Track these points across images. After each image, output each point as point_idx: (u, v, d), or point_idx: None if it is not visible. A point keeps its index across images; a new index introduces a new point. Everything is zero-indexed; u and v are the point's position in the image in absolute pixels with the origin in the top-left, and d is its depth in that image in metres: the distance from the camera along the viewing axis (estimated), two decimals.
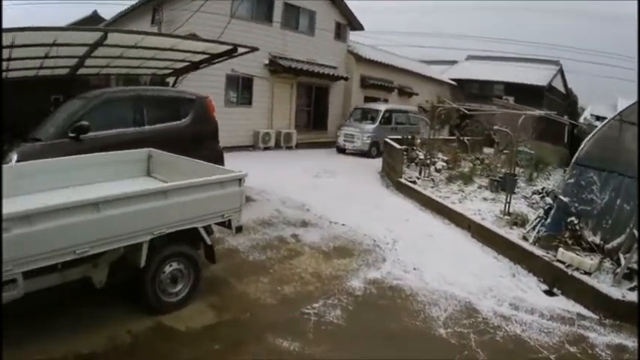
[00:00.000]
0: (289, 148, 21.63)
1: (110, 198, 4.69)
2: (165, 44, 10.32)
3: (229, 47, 11.33)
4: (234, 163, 10.12)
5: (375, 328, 6.01)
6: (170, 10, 17.94)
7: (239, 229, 6.47)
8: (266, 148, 20.37)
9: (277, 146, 20.93)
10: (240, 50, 11.56)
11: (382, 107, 23.51)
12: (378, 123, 22.46)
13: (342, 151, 22.45)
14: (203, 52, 11.48)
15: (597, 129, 9.30)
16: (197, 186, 5.60)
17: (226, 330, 5.51)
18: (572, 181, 9.13)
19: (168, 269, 5.61)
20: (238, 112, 18.84)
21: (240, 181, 6.13)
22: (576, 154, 9.35)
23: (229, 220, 6.14)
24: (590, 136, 9.37)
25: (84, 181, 6.53)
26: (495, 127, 16.22)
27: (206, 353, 5.02)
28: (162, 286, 5.57)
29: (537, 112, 17.81)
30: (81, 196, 4.74)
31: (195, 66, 12.29)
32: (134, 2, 20.11)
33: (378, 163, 19.35)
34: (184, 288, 5.82)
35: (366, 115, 23.41)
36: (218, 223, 6.13)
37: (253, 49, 12.08)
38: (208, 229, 6.08)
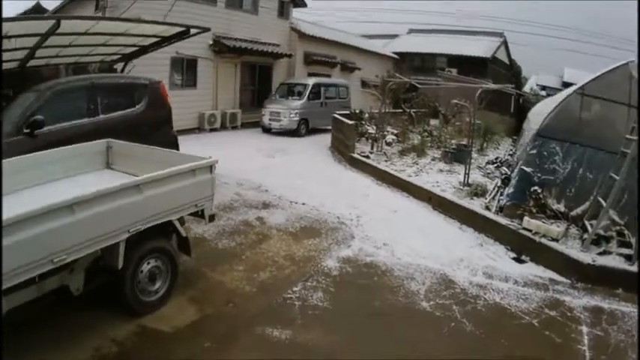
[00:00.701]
0: (235, 128, 21.00)
1: (85, 198, 4.37)
2: (117, 29, 10.01)
3: (182, 29, 11.10)
4: (183, 146, 9.96)
5: (360, 308, 6.09)
6: None
7: (212, 218, 6.35)
8: (212, 130, 19.89)
9: (223, 127, 20.50)
10: (193, 31, 11.36)
11: (310, 81, 22.13)
12: (305, 98, 21.21)
13: (267, 130, 21.05)
14: (154, 36, 11.19)
15: (559, 103, 9.67)
16: (170, 177, 5.39)
17: (212, 325, 5.41)
18: (534, 152, 9.47)
19: (146, 267, 5.40)
20: (184, 95, 18.33)
21: (211, 167, 6.00)
22: (538, 126, 9.69)
23: (202, 210, 6.03)
24: (552, 109, 9.72)
25: (42, 180, 6.13)
26: (454, 101, 16.49)
27: (199, 352, 4.91)
28: (140, 285, 5.35)
29: (493, 86, 18.20)
30: (42, 197, 4.36)
31: (144, 50, 11.93)
32: None
33: (312, 140, 19.82)
34: (163, 285, 5.64)
35: (293, 91, 21.95)
36: (191, 213, 5.97)
37: (205, 30, 11.86)
38: (181, 220, 5.89)
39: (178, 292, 5.85)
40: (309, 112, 21.15)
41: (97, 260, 4.91)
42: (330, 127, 19.50)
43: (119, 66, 12.46)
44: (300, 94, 21.48)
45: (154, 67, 14.78)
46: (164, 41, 11.61)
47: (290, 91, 22.02)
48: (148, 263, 5.42)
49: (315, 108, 21.44)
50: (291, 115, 20.60)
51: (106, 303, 5.32)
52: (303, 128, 21.11)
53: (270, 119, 20.86)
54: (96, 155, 7.10)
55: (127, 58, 12.20)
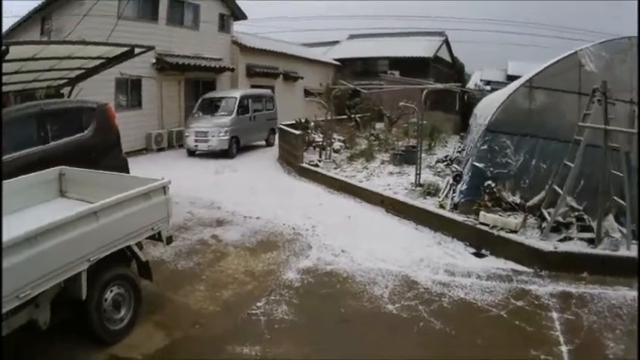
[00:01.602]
0: (182, 146, 20.23)
1: (44, 229, 4.31)
2: (64, 53, 9.82)
3: (126, 49, 10.98)
4: (133, 168, 9.87)
5: (326, 317, 6.03)
6: (58, 18, 17.37)
7: (170, 240, 6.27)
8: (159, 149, 19.56)
9: (170, 146, 19.98)
10: (137, 51, 11.26)
11: (236, 94, 20.22)
12: (235, 113, 19.11)
13: (192, 153, 19.05)
14: (99, 57, 11.05)
15: (507, 97, 9.85)
16: (126, 201, 5.35)
17: (182, 348, 5.31)
18: (484, 147, 9.60)
19: (109, 295, 5.30)
20: (129, 116, 18.01)
21: (164, 189, 5.97)
22: (487, 121, 9.86)
23: (159, 232, 5.96)
24: (500, 103, 9.89)
25: None
26: (401, 103, 16.70)
27: None
28: (106, 314, 5.24)
29: (438, 86, 18.48)
30: None
31: (90, 73, 11.77)
32: (22, 15, 19.37)
33: (249, 159, 18.92)
34: (128, 312, 5.53)
35: (218, 106, 19.89)
36: (149, 237, 5.90)
37: (149, 48, 11.84)
38: (139, 245, 5.83)
39: (144, 318, 5.74)
40: (239, 128, 19.18)
41: (62, 292, 4.79)
42: (262, 143, 20.17)
43: (66, 91, 12.21)
44: (227, 109, 19.41)
45: (99, 90, 14.76)
46: (109, 62, 11.50)
47: (215, 106, 19.94)
48: (111, 291, 5.33)
49: (244, 123, 19.61)
50: (221, 134, 18.42)
51: (75, 335, 5.19)
52: (234, 147, 19.06)
53: (196, 140, 18.62)
54: (49, 184, 6.96)
55: (73, 82, 11.98)
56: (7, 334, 4.34)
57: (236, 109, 19.27)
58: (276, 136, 20.82)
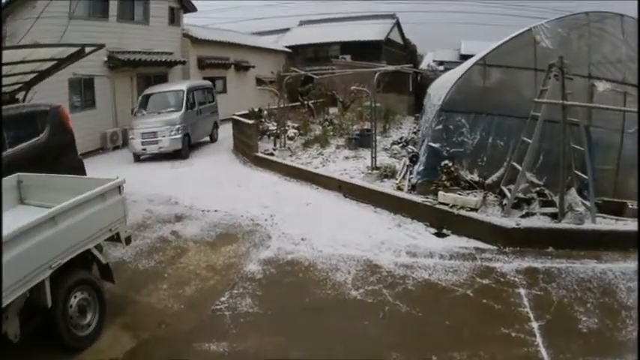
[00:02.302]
0: None
1: (7, 239, 4.18)
2: (16, 57, 9.58)
3: (77, 49, 10.77)
4: (90, 169, 9.85)
5: (291, 306, 5.95)
6: (12, 23, 16.65)
7: (129, 240, 6.24)
8: (115, 148, 19.02)
9: (125, 144, 19.25)
10: (88, 49, 11.05)
11: (183, 86, 18.37)
12: (184, 108, 17.19)
13: (139, 157, 16.98)
14: (51, 59, 10.81)
15: (460, 76, 9.81)
16: (82, 203, 5.27)
17: (150, 349, 5.23)
18: (439, 127, 9.54)
19: (74, 301, 5.20)
20: (84, 116, 17.61)
21: (119, 188, 5.90)
22: (441, 101, 9.79)
23: (117, 233, 5.91)
24: (454, 82, 9.83)
25: None
26: (353, 87, 16.61)
27: None
28: (73, 320, 5.15)
29: (390, 68, 18.39)
30: None
31: (42, 75, 11.52)
32: None
33: (205, 152, 18.03)
34: (94, 317, 5.45)
35: (164, 102, 17.83)
36: (108, 238, 5.83)
37: (100, 47, 11.67)
38: (99, 248, 5.73)
39: (110, 321, 5.65)
40: (189, 124, 17.34)
41: (28, 302, 4.71)
42: (207, 139, 19.56)
43: (21, 96, 11.92)
44: (175, 104, 17.44)
45: (53, 92, 14.32)
46: (61, 63, 11.27)
47: (159, 102, 17.86)
48: (75, 297, 5.24)
49: (193, 118, 17.77)
50: (172, 133, 16.49)
51: (43, 344, 5.06)
52: (187, 146, 17.31)
53: (143, 142, 16.50)
54: (8, 192, 6.74)
55: (27, 86, 11.71)
56: None
57: (184, 103, 17.33)
58: (218, 131, 20.54)
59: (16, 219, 5.30)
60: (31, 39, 14.42)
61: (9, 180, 6.83)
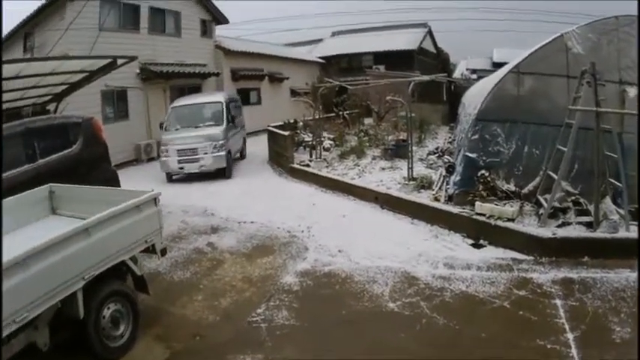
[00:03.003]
0: None
1: (37, 250, 4.28)
2: (47, 69, 9.75)
3: (109, 61, 10.95)
4: (124, 180, 9.97)
5: (327, 319, 5.99)
6: (41, 34, 17.36)
7: (164, 252, 6.29)
8: (150, 160, 19.32)
9: (160, 155, 19.93)
10: (120, 62, 11.24)
11: (220, 97, 17.01)
12: (225, 122, 15.79)
13: (171, 177, 15.61)
14: (82, 71, 10.95)
15: (495, 85, 9.77)
16: (117, 215, 5.31)
17: None
18: (476, 137, 9.53)
19: (107, 312, 5.25)
20: (117, 128, 17.86)
21: (155, 200, 5.95)
22: (476, 110, 9.78)
23: (153, 245, 5.96)
24: (489, 91, 9.80)
25: None
26: (388, 97, 16.66)
27: None
28: (105, 332, 5.20)
29: (425, 77, 18.35)
30: None
31: (74, 87, 11.68)
32: (5, 33, 19.14)
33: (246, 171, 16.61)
34: (127, 328, 5.49)
35: (198, 115, 16.34)
36: (143, 250, 5.88)
37: (132, 59, 11.86)
38: (134, 259, 5.79)
39: (143, 332, 5.70)
40: (231, 141, 16.09)
41: (59, 312, 4.75)
42: (238, 155, 18.59)
43: (53, 107, 12.13)
44: (214, 118, 15.99)
45: (85, 103, 14.76)
46: (93, 75, 11.45)
47: (192, 115, 16.31)
48: (108, 308, 5.28)
49: (231, 133, 16.34)
50: (216, 150, 14.93)
51: (74, 354, 5.09)
52: (231, 164, 15.94)
53: (180, 160, 14.93)
54: (40, 202, 6.96)
55: (58, 98, 11.91)
56: (8, 358, 4.35)
57: (225, 116, 15.92)
58: (246, 145, 19.57)
59: (47, 229, 5.56)
60: (60, 50, 14.81)
61: (41, 190, 6.99)
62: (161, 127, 16.18)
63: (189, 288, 7.11)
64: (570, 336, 5.11)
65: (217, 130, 15.38)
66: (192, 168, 15.00)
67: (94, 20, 17.34)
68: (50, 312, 4.63)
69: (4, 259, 3.93)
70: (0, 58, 7.02)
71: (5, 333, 3.98)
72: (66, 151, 9.18)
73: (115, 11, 18.82)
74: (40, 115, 10.63)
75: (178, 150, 14.91)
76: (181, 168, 15.09)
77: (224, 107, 16.18)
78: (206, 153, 14.86)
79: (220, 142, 15.10)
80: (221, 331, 5.80)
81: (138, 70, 19.45)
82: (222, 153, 15.05)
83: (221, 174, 15.30)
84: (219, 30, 26.37)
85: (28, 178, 8.00)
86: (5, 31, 19.03)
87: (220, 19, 25.60)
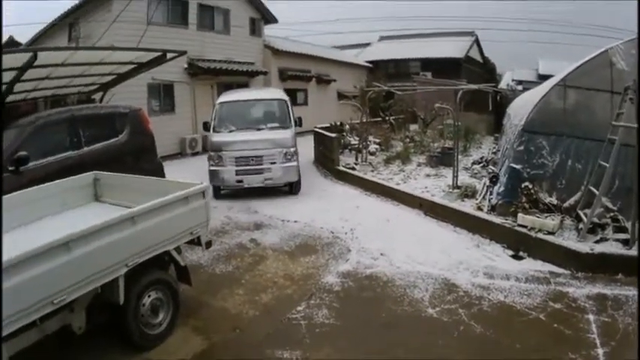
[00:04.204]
0: None
1: (80, 234, 4.34)
2: (94, 58, 9.97)
3: (158, 54, 11.13)
4: (168, 172, 10.02)
5: (367, 321, 6.11)
6: (86, 25, 17.62)
7: (209, 244, 6.37)
8: (194, 154, 19.66)
9: (204, 150, 19.55)
10: (169, 56, 11.40)
11: (281, 95, 14.16)
12: (293, 125, 12.99)
13: (220, 191, 12.86)
14: (131, 63, 11.17)
15: (541, 97, 9.81)
16: (164, 205, 5.36)
17: (221, 353, 5.40)
18: (521, 148, 9.60)
19: (147, 300, 5.35)
20: (163, 120, 18.12)
21: (203, 193, 5.98)
22: (522, 122, 9.84)
23: (198, 237, 6.01)
24: (535, 103, 9.84)
25: (31, 218, 6.05)
26: (437, 105, 16.69)
27: None
28: (144, 319, 5.29)
29: (473, 86, 18.41)
30: (34, 236, 4.35)
31: (121, 78, 11.91)
32: (49, 22, 19.73)
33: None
34: (166, 317, 5.59)
35: (257, 115, 13.67)
36: (188, 241, 5.95)
37: (182, 53, 11.97)
38: (178, 250, 5.86)
39: (182, 323, 5.83)
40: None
41: (98, 297, 4.84)
42: None
43: (98, 96, 12.35)
44: (279, 119, 13.15)
45: (131, 95, 14.90)
46: (141, 67, 11.59)
47: (249, 114, 13.62)
48: (149, 296, 5.38)
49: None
50: (285, 160, 12.30)
51: (109, 339, 5.27)
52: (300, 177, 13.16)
53: (239, 172, 12.16)
54: (84, 189, 7.06)
55: (104, 88, 12.12)
56: (40, 338, 4.43)
57: (292, 117, 13.11)
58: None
59: (90, 215, 5.72)
60: (106, 42, 14.89)
61: (85, 177, 7.07)
62: (206, 127, 13.11)
63: (231, 282, 7.26)
64: (600, 351, 5.20)
65: (287, 135, 12.60)
66: (254, 181, 12.21)
67: (141, 14, 17.54)
68: (89, 296, 4.69)
69: (46, 241, 4.02)
70: (0, 58, 7.23)
71: (40, 314, 4.02)
72: (112, 140, 9.33)
73: (163, 6, 19.06)
74: (85, 104, 10.83)
75: (237, 158, 12.10)
76: (240, 182, 12.21)
77: (289, 106, 13.39)
78: (274, 162, 12.18)
79: (292, 149, 12.40)
80: (260, 326, 5.92)
81: (185, 65, 19.70)
82: (294, 163, 12.45)
83: (289, 189, 13.06)
84: (268, 30, 26.58)
85: (72, 164, 8.16)
86: (49, 19, 19.65)
87: (269, 18, 25.80)
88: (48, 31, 20.27)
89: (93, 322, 4.95)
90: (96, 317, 4.99)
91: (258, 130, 12.76)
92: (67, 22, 18.98)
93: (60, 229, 4.35)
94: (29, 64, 8.22)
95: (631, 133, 7.76)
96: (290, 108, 13.31)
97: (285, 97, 13.75)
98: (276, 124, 12.93)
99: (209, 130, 12.92)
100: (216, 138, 12.61)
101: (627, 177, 8.17)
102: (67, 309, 4.60)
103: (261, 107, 13.91)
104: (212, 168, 12.36)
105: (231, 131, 12.71)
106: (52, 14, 19.53)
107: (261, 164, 12.13)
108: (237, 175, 12.14)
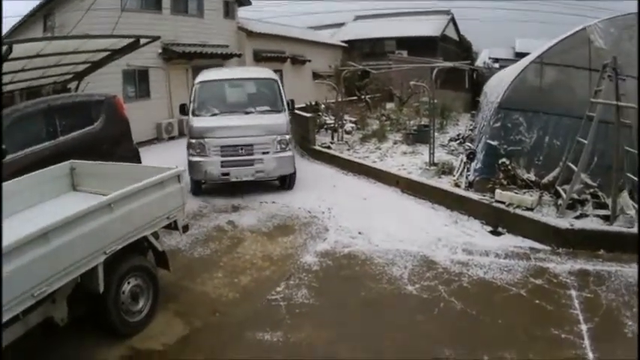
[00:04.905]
0: None
1: (58, 224, 4.24)
2: (68, 48, 9.83)
3: (132, 40, 10.96)
4: (146, 158, 9.91)
5: (347, 300, 6.05)
6: (61, 15, 17.18)
7: (186, 228, 6.29)
8: (170, 138, 18.94)
9: (182, 134, 19.17)
10: (143, 41, 11.26)
11: (271, 73, 12.36)
12: (286, 108, 11.18)
13: (200, 186, 10.89)
14: (105, 50, 11.03)
15: (518, 74, 9.77)
16: (140, 191, 5.28)
17: (203, 337, 5.32)
18: (498, 124, 9.54)
19: (127, 287, 5.25)
20: (138, 107, 17.67)
21: (178, 177, 5.92)
22: (499, 99, 9.78)
23: (175, 221, 5.93)
24: (512, 80, 9.80)
25: (9, 212, 5.70)
26: (412, 82, 16.61)
27: None
28: (124, 306, 5.20)
29: (448, 64, 18.31)
30: (12, 229, 4.19)
31: (96, 66, 11.78)
32: (24, 14, 19.20)
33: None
34: (146, 303, 5.50)
35: (243, 97, 11.86)
36: (165, 226, 5.87)
37: (155, 39, 11.89)
38: (156, 235, 5.78)
39: (162, 308, 5.73)
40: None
41: (78, 287, 4.72)
42: None
43: (73, 86, 12.26)
44: (269, 101, 11.30)
45: (106, 82, 14.72)
46: (115, 54, 11.51)
47: (236, 96, 11.88)
48: (129, 283, 5.29)
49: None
50: (280, 149, 10.54)
51: (92, 328, 5.16)
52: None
53: (225, 163, 10.28)
54: (61, 178, 6.92)
55: (79, 76, 12.01)
56: (24, 332, 4.33)
57: (284, 100, 11.24)
58: None
59: (68, 205, 5.53)
60: (81, 31, 14.52)
61: (62, 167, 6.93)
62: (183, 110, 11.18)
63: (210, 265, 7.15)
64: (584, 327, 5.15)
65: (280, 120, 10.82)
66: (243, 174, 10.38)
67: (115, 1, 17.11)
68: (70, 286, 4.61)
69: (24, 233, 3.92)
70: (0, 56, 7.04)
71: (23, 307, 3.95)
72: (88, 129, 9.17)
73: None
74: (60, 94, 10.69)
75: (223, 147, 10.28)
76: (226, 175, 10.34)
77: (280, 87, 11.56)
78: (267, 152, 10.40)
79: (286, 136, 10.65)
80: (241, 309, 5.85)
81: (160, 50, 19.39)
82: (289, 153, 10.68)
83: (282, 184, 11.24)
84: (242, 12, 26.20)
85: (49, 154, 8.01)
86: (25, 11, 19.14)
87: (243, 0, 25.50)
88: (23, 23, 19.82)
89: (74, 312, 4.86)
90: (77, 308, 4.89)
91: (247, 113, 10.86)
92: (42, 13, 18.57)
93: (38, 220, 4.31)
94: (5, 57, 8.07)
95: (609, 110, 7.73)
96: (281, 88, 11.48)
97: (275, 76, 12.00)
98: (267, 108, 11.07)
99: (187, 114, 11.03)
100: (197, 123, 10.62)
101: (607, 154, 8.15)
102: (49, 301, 4.50)
103: (248, 87, 12.09)
104: (192, 159, 10.38)
105: (214, 115, 10.80)
106: (26, 5, 19.12)
107: (252, 154, 10.31)
108: (222, 167, 10.25)
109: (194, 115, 10.79)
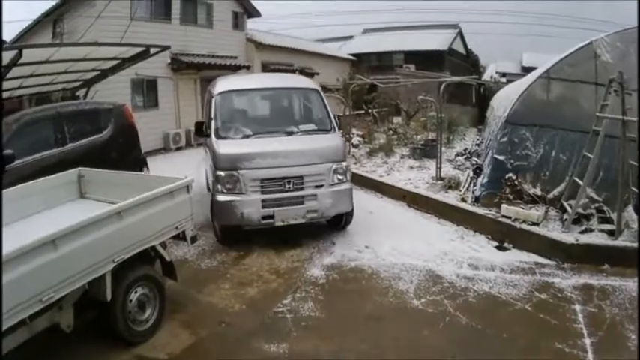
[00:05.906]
0: (200, 145, 20.75)
1: (66, 231, 4.29)
2: (78, 54, 9.92)
3: (142, 49, 11.06)
4: (153, 167, 9.98)
5: (352, 313, 6.08)
6: (70, 21, 17.32)
7: (194, 239, 6.32)
8: (178, 149, 19.40)
9: (188, 145, 19.48)
10: (152, 51, 11.35)
11: (311, 83, 10.48)
12: (337, 127, 8.93)
13: (228, 233, 8.47)
14: (114, 58, 11.12)
15: (525, 89, 9.85)
16: (149, 200, 5.34)
17: (209, 347, 5.37)
18: (505, 139, 9.62)
19: (134, 296, 5.29)
20: (146, 116, 17.77)
21: (188, 187, 5.97)
22: (506, 113, 9.86)
23: (183, 231, 5.97)
24: (519, 95, 9.89)
25: (17, 217, 5.83)
26: (420, 97, 16.67)
27: None
28: (131, 315, 5.23)
29: (456, 79, 18.45)
30: (20, 234, 4.26)
31: (105, 74, 11.84)
32: (33, 19, 19.30)
33: None
34: (153, 312, 5.53)
35: (282, 112, 9.73)
36: (173, 237, 5.92)
37: (165, 48, 12.01)
38: (163, 245, 5.83)
39: (169, 318, 5.77)
40: None
41: (86, 294, 4.79)
42: None
43: (82, 93, 12.30)
44: (314, 119, 9.18)
45: (115, 90, 14.76)
46: (124, 63, 11.55)
47: (272, 112, 9.81)
48: (136, 292, 5.32)
49: None
50: (338, 179, 8.38)
51: (98, 336, 5.21)
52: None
53: (267, 202, 7.91)
54: (69, 185, 6.95)
55: (88, 84, 12.05)
56: (29, 337, 4.36)
57: (332, 116, 9.01)
58: None
59: (76, 212, 5.62)
60: (90, 38, 14.71)
61: (70, 174, 6.94)
62: (200, 130, 8.72)
63: (217, 276, 7.19)
64: (587, 341, 5.20)
65: (335, 142, 8.65)
66: (291, 216, 8.11)
67: (125, 9, 17.24)
68: (77, 293, 4.66)
69: (31, 239, 3.97)
70: (0, 60, 7.15)
71: (29, 312, 3.99)
72: (96, 137, 9.25)
73: (147, 0, 18.88)
74: (69, 101, 10.78)
75: (263, 180, 7.91)
76: (268, 218, 7.98)
77: (324, 99, 9.29)
78: (320, 186, 8.18)
79: (343, 163, 8.47)
80: (247, 320, 5.87)
81: (169, 60, 19.44)
82: (347, 185, 8.55)
83: (338, 222, 9.07)
84: (251, 23, 26.32)
85: (57, 161, 8.13)
86: (33, 16, 19.25)
87: (252, 11, 25.53)
88: (32, 28, 19.87)
89: (81, 319, 4.91)
90: (84, 315, 4.96)
91: (289, 134, 8.57)
92: (51, 18, 18.62)
93: (45, 227, 4.31)
94: (14, 62, 8.14)
95: (615, 125, 7.79)
96: (326, 102, 9.22)
97: (317, 86, 9.87)
98: (313, 126, 8.86)
99: (206, 135, 8.66)
100: (224, 149, 8.10)
101: (612, 169, 8.19)
102: (56, 307, 4.54)
103: (285, 100, 9.87)
104: (221, 198, 7.99)
105: (246, 137, 8.40)
106: (34, 10, 19.23)
107: (302, 189, 8.06)
108: (264, 207, 7.90)
109: (218, 137, 8.35)
